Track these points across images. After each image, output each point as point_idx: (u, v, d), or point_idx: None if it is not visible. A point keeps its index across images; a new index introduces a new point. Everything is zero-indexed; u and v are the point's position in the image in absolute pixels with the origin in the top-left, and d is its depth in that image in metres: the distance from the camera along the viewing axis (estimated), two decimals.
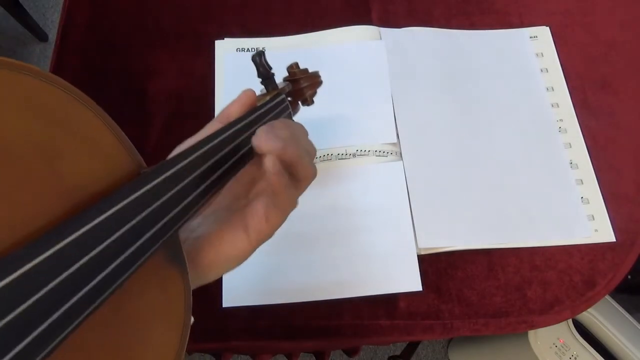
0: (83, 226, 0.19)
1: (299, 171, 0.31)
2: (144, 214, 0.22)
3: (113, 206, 0.21)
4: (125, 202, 0.21)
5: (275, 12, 0.71)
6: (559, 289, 0.57)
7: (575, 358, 0.89)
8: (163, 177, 0.24)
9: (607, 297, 0.93)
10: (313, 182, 0.33)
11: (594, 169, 0.63)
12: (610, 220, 0.60)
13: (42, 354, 0.17)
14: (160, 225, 0.24)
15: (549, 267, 0.58)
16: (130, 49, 0.68)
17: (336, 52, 0.67)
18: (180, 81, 0.66)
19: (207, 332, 0.54)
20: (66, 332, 0.18)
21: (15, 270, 0.16)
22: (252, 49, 0.68)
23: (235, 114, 0.35)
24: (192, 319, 0.27)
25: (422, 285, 0.56)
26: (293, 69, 0.44)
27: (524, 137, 0.64)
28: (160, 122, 0.64)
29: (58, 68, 0.66)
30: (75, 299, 0.18)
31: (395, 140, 0.63)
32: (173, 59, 0.67)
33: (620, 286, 0.58)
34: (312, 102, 0.46)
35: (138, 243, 0.22)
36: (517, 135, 0.64)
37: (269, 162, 0.29)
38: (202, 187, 0.28)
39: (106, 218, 0.20)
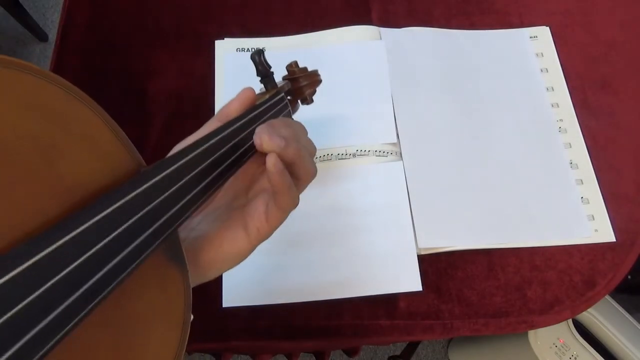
0: (83, 224, 0.19)
1: (299, 170, 0.31)
2: (143, 211, 0.22)
3: (113, 204, 0.21)
4: (124, 199, 0.21)
5: (275, 12, 0.71)
6: (559, 289, 0.57)
7: (575, 358, 0.89)
8: (162, 175, 0.24)
9: (607, 297, 0.93)
10: (313, 181, 0.33)
11: (594, 169, 0.63)
12: (610, 220, 0.60)
13: (41, 352, 0.17)
14: (159, 223, 0.24)
15: (549, 267, 0.58)
16: (130, 49, 0.68)
17: (336, 52, 0.67)
18: (180, 81, 0.66)
19: (207, 332, 0.54)
20: (65, 330, 0.18)
21: (15, 268, 0.16)
22: (252, 49, 0.68)
23: (234, 112, 0.35)
24: (192, 317, 0.27)
25: (422, 285, 0.56)
26: (292, 67, 0.44)
27: (524, 137, 0.64)
28: (160, 122, 0.64)
29: (58, 68, 0.66)
30: (74, 296, 0.18)
31: (395, 140, 0.63)
32: (173, 59, 0.67)
33: (620, 286, 0.58)
34: (312, 100, 0.46)
35: (137, 241, 0.22)
36: (517, 135, 0.64)
37: (271, 161, 0.29)
38: (202, 185, 0.28)
39: (106, 215, 0.20)
